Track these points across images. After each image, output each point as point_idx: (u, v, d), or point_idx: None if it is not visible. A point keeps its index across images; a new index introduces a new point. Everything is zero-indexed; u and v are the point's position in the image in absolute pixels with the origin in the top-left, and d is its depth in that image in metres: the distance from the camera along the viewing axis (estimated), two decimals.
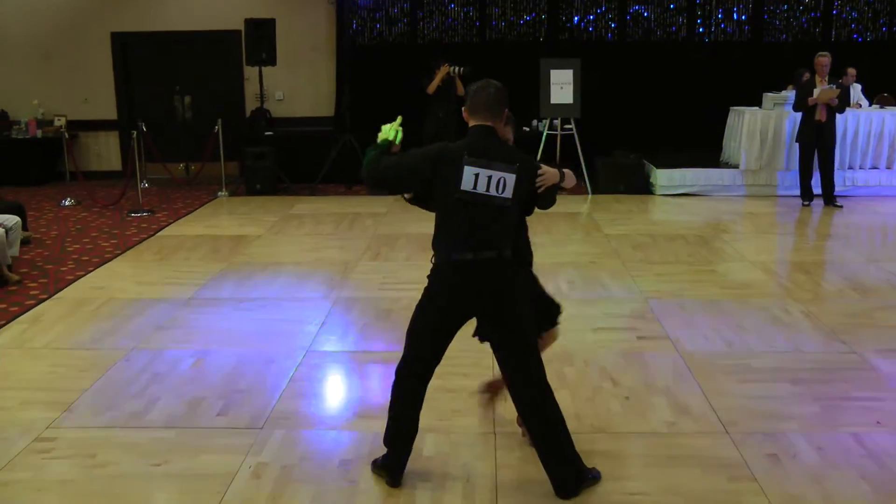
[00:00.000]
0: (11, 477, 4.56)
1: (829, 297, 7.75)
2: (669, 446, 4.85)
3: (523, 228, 4.59)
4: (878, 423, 5.13)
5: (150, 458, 4.73)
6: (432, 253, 4.28)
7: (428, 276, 4.28)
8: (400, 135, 4.40)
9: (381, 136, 4.38)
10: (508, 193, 4.10)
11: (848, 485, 4.40)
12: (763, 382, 5.75)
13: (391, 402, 4.43)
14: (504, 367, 4.36)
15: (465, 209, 4.09)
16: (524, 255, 4.58)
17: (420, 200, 4.43)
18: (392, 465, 4.43)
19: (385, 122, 4.41)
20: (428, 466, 4.59)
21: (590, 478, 4.37)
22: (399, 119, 4.45)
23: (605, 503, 4.23)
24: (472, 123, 4.23)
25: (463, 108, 4.30)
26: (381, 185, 4.35)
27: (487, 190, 4.07)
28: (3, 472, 4.61)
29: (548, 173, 4.27)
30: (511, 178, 4.08)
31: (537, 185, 4.25)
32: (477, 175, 4.05)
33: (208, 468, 4.61)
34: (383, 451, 4.51)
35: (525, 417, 4.41)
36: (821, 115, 11.64)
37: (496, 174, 4.06)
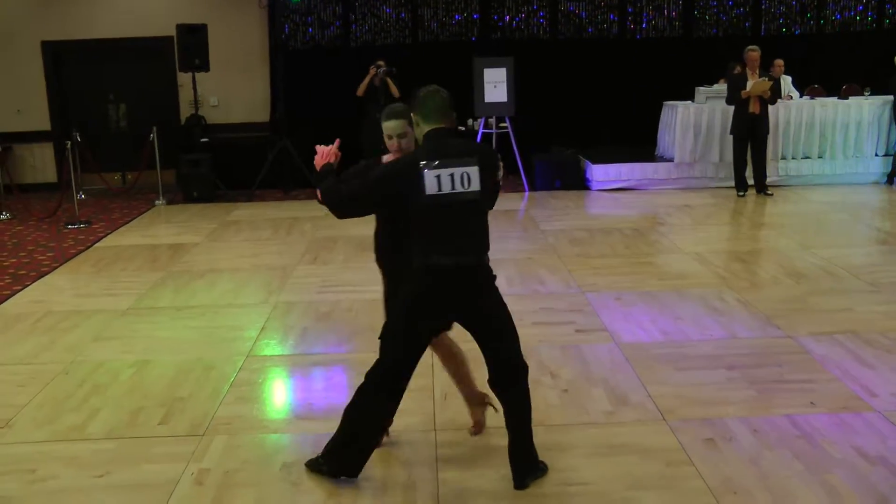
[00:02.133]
0: None
1: (764, 285, 7.91)
2: (608, 436, 4.93)
3: None
4: (811, 403, 5.26)
5: (92, 470, 4.70)
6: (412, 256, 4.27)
7: (406, 281, 4.28)
8: (338, 157, 4.43)
9: (319, 161, 4.40)
10: (476, 186, 4.13)
11: (782, 464, 4.51)
12: (699, 370, 5.86)
13: (355, 411, 4.39)
14: (491, 362, 4.40)
15: (438, 212, 4.10)
16: None
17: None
18: (347, 457, 4.43)
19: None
20: (369, 465, 4.61)
21: (540, 470, 4.44)
22: (337, 142, 4.47)
23: (546, 494, 4.30)
24: (426, 129, 4.24)
25: (412, 115, 4.31)
26: (349, 214, 4.36)
27: (453, 188, 4.08)
28: None
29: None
30: (474, 171, 4.11)
31: (498, 177, 4.32)
32: (438, 176, 4.06)
33: (151, 477, 4.60)
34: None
35: (510, 414, 4.43)
36: (754, 108, 11.87)
37: (458, 170, 4.08)
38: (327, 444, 4.50)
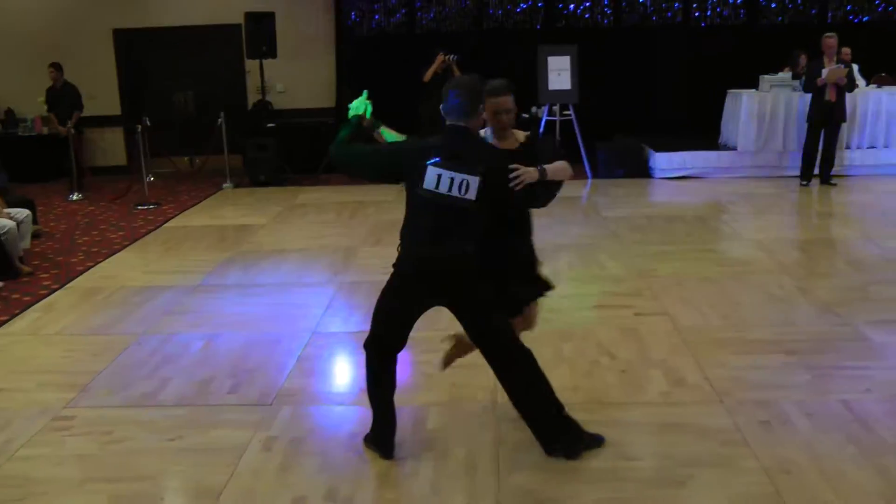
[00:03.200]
0: (32, 452, 4.76)
1: (825, 273, 7.92)
2: (664, 415, 5.02)
3: (525, 228, 4.85)
4: (867, 390, 5.29)
5: (165, 434, 4.92)
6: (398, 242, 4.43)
7: (393, 265, 4.42)
8: (369, 108, 4.61)
9: (350, 113, 4.59)
10: (472, 195, 4.20)
11: (836, 448, 4.56)
12: (757, 354, 5.91)
13: (366, 379, 4.63)
14: (478, 344, 4.56)
15: (428, 206, 4.23)
16: (524, 253, 4.82)
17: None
18: (378, 438, 4.62)
19: (385, 111, 4.59)
20: (430, 438, 4.77)
21: (586, 441, 4.55)
22: (365, 93, 4.63)
23: (601, 468, 4.40)
24: (447, 122, 4.36)
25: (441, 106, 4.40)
26: (343, 168, 4.58)
27: (450, 191, 4.19)
28: (25, 448, 4.81)
29: (524, 173, 4.30)
30: (475, 181, 4.19)
31: (513, 185, 4.28)
32: (440, 175, 4.18)
33: (220, 442, 4.80)
34: None
35: (509, 393, 4.57)
36: (831, 95, 11.80)
37: (459, 176, 4.18)
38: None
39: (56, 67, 13.44)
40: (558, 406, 4.54)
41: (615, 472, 4.35)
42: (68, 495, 4.32)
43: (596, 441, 4.59)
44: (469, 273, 4.36)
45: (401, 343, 4.54)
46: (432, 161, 4.20)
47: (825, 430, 4.77)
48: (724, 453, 4.54)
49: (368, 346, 4.57)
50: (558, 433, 4.54)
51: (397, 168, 4.35)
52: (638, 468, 4.39)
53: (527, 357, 4.52)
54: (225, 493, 4.26)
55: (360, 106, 4.60)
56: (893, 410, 5.00)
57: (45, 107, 13.80)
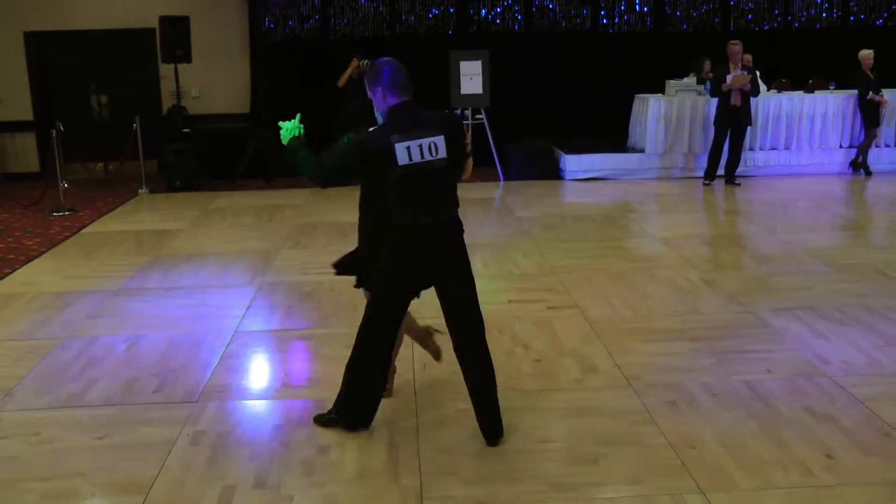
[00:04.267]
0: None
1: (729, 266, 8.29)
2: (577, 400, 5.27)
3: None
4: (767, 371, 5.62)
5: (93, 433, 4.99)
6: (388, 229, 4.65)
7: (388, 252, 4.64)
8: (302, 130, 4.75)
9: (286, 135, 4.70)
10: (443, 153, 4.49)
11: (738, 423, 4.87)
12: (664, 342, 6.23)
13: (358, 367, 4.82)
14: (454, 323, 4.80)
15: (411, 179, 4.45)
16: None
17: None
18: (358, 409, 4.88)
19: (292, 118, 4.75)
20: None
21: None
22: (298, 116, 4.77)
23: (519, 449, 4.63)
24: (392, 103, 4.54)
25: (379, 89, 4.55)
26: (333, 183, 4.72)
27: (423, 157, 4.44)
28: None
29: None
30: (440, 139, 4.47)
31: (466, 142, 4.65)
32: (408, 147, 4.42)
33: (149, 439, 4.90)
34: (314, 413, 5.04)
35: (471, 369, 4.81)
36: (736, 100, 12.28)
37: (426, 140, 4.44)
38: (336, 401, 4.93)
39: None
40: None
41: (532, 453, 4.58)
42: (0, 495, 4.39)
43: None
44: (461, 239, 4.70)
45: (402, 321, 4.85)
46: (394, 139, 4.41)
47: (728, 407, 5.07)
48: (634, 432, 4.80)
49: (374, 333, 4.79)
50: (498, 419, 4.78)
51: (367, 161, 4.48)
52: (554, 449, 4.63)
53: (483, 330, 4.88)
54: (155, 485, 4.37)
55: (294, 128, 4.73)
56: (792, 388, 5.33)
57: None
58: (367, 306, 4.85)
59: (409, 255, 4.62)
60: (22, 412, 5.35)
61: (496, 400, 4.79)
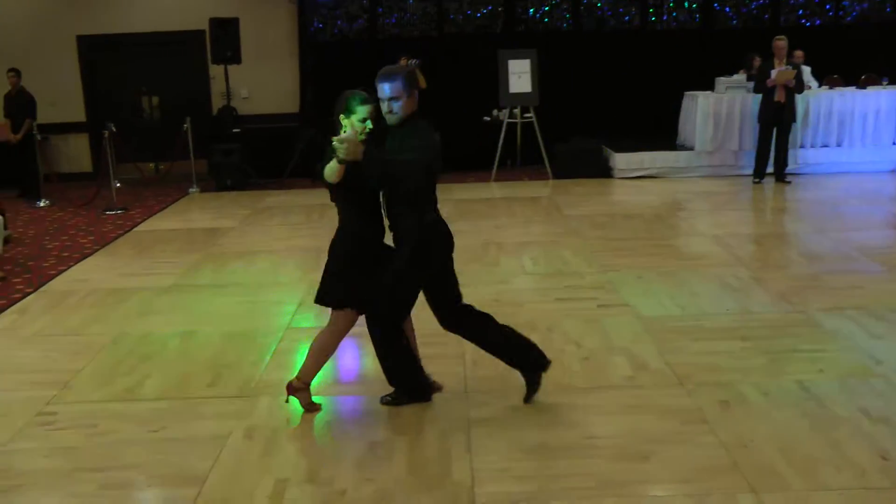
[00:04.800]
0: (20, 446, 4.92)
1: (779, 265, 8.22)
2: (627, 397, 5.27)
3: None
4: (820, 371, 5.57)
5: (148, 426, 5.09)
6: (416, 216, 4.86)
7: (416, 237, 4.85)
8: (369, 125, 4.77)
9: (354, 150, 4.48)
10: None
11: (791, 423, 4.83)
12: (715, 340, 6.19)
13: (394, 345, 5.07)
14: (440, 305, 5.11)
15: (434, 178, 4.83)
16: None
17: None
18: (417, 387, 5.20)
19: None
20: (405, 423, 4.99)
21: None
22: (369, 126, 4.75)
23: (569, 445, 4.65)
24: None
25: (415, 92, 4.83)
26: (421, 184, 4.82)
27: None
28: (13, 441, 4.97)
29: None
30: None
31: None
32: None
33: (203, 432, 4.98)
34: (365, 415, 5.21)
35: (470, 335, 5.21)
36: (780, 96, 12.14)
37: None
38: (393, 383, 5.17)
39: (15, 73, 13.46)
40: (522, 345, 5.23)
41: (582, 450, 4.59)
42: (58, 484, 4.48)
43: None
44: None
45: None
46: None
47: (780, 407, 5.04)
48: (685, 431, 4.79)
49: (389, 320, 4.99)
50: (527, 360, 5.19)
51: (438, 156, 4.88)
52: (604, 445, 4.63)
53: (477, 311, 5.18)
54: (210, 478, 4.44)
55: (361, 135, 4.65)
56: (845, 388, 5.28)
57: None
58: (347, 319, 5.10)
59: (433, 257, 4.94)
60: (79, 405, 5.46)
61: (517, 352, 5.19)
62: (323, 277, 5.06)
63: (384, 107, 4.78)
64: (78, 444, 4.92)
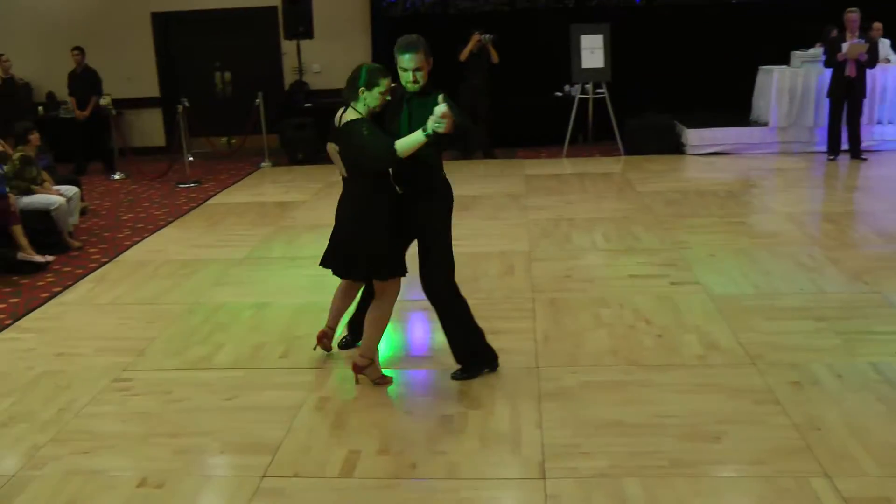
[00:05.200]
0: (97, 410, 5.06)
1: (854, 244, 8.05)
2: (698, 376, 5.22)
3: None
4: (895, 354, 5.46)
5: (221, 394, 5.18)
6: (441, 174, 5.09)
7: (442, 193, 5.08)
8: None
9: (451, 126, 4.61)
10: None
11: (865, 407, 4.75)
12: (788, 320, 6.10)
13: (465, 313, 5.24)
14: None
15: None
16: None
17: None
18: (485, 352, 5.31)
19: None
20: (476, 397, 5.01)
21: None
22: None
23: (639, 423, 4.62)
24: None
25: (430, 62, 4.91)
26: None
27: None
28: (90, 405, 5.11)
29: None
30: None
31: None
32: None
33: (275, 402, 5.06)
34: (436, 389, 5.23)
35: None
36: (850, 71, 11.87)
37: None
38: (459, 355, 5.25)
39: (80, 51, 13.69)
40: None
41: (653, 428, 4.56)
42: (134, 447, 4.60)
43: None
44: None
45: None
46: None
47: (854, 390, 4.95)
48: (757, 411, 4.74)
49: (451, 279, 5.16)
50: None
51: None
52: (674, 424, 4.59)
53: None
54: (282, 447, 4.51)
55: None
56: None
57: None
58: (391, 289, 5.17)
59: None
60: (154, 372, 5.59)
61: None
62: (365, 256, 5.01)
63: (408, 76, 4.87)
64: (153, 409, 5.03)
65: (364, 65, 4.94)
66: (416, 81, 4.86)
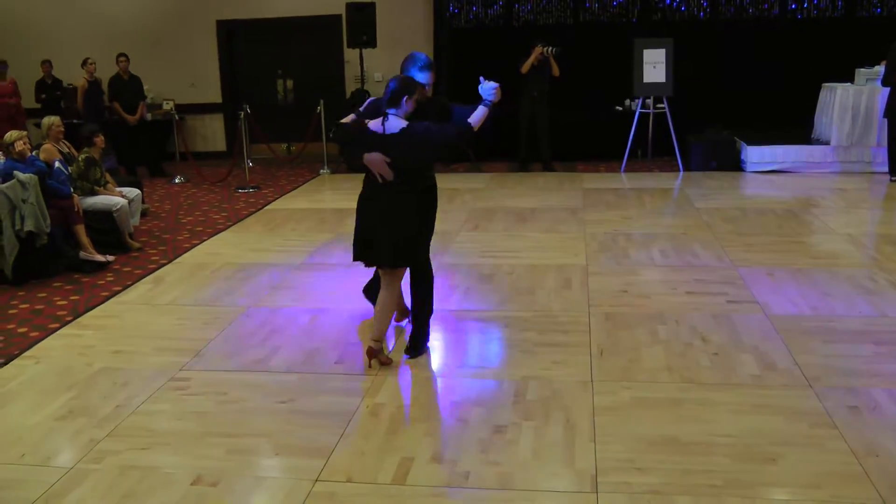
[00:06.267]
0: (154, 408, 5.14)
1: None
2: (755, 397, 5.16)
3: None
4: None
5: (277, 397, 5.23)
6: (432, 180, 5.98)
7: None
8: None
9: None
10: None
11: None
12: (847, 343, 6.01)
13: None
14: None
15: None
16: None
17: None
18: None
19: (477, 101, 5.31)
20: (530, 409, 5.01)
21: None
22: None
23: (694, 441, 4.58)
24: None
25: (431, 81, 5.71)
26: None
27: None
28: (147, 403, 5.19)
29: None
30: None
31: None
32: None
33: (330, 406, 5.09)
34: (491, 399, 5.22)
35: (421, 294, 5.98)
36: None
37: None
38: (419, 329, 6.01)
39: (126, 57, 13.94)
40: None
41: (707, 447, 4.52)
42: (190, 446, 4.66)
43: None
44: None
45: None
46: None
47: None
48: (813, 434, 4.67)
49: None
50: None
51: None
52: (729, 444, 4.55)
53: None
54: (336, 451, 4.54)
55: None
56: None
57: (151, 94, 14.29)
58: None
59: None
60: (210, 372, 5.66)
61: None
62: (392, 242, 5.55)
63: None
64: (209, 409, 5.10)
65: (405, 77, 5.48)
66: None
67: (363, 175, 5.66)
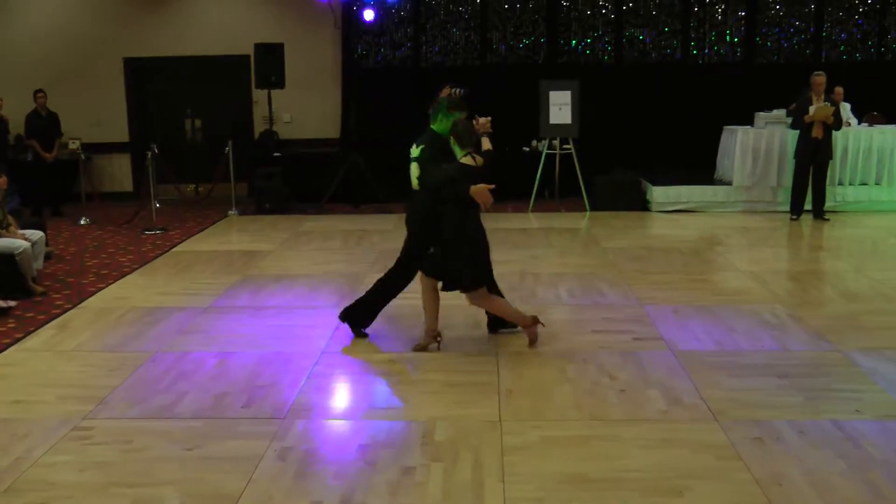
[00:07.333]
0: (55, 459, 4.97)
1: (817, 303, 8.15)
2: (662, 431, 5.24)
3: None
4: (857, 411, 5.51)
5: (183, 444, 5.13)
6: None
7: None
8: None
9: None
10: None
11: (826, 463, 4.78)
12: (751, 377, 6.14)
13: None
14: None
15: None
16: None
17: None
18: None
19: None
20: (439, 450, 4.99)
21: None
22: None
23: (604, 478, 4.62)
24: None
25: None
26: None
27: None
28: (47, 455, 5.03)
29: None
30: None
31: None
32: None
33: (237, 452, 5.01)
34: (399, 441, 5.11)
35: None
36: (818, 132, 12.07)
37: None
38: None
39: (44, 93, 13.74)
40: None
41: (616, 482, 4.56)
42: (92, 499, 4.52)
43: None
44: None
45: None
46: None
47: (816, 446, 4.99)
48: (720, 467, 4.76)
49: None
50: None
51: None
52: (638, 479, 4.60)
53: None
54: (243, 498, 4.47)
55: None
56: (882, 430, 5.22)
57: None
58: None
59: None
60: (114, 421, 5.52)
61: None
62: (453, 267, 6.54)
63: None
64: (112, 459, 4.97)
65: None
66: None
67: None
